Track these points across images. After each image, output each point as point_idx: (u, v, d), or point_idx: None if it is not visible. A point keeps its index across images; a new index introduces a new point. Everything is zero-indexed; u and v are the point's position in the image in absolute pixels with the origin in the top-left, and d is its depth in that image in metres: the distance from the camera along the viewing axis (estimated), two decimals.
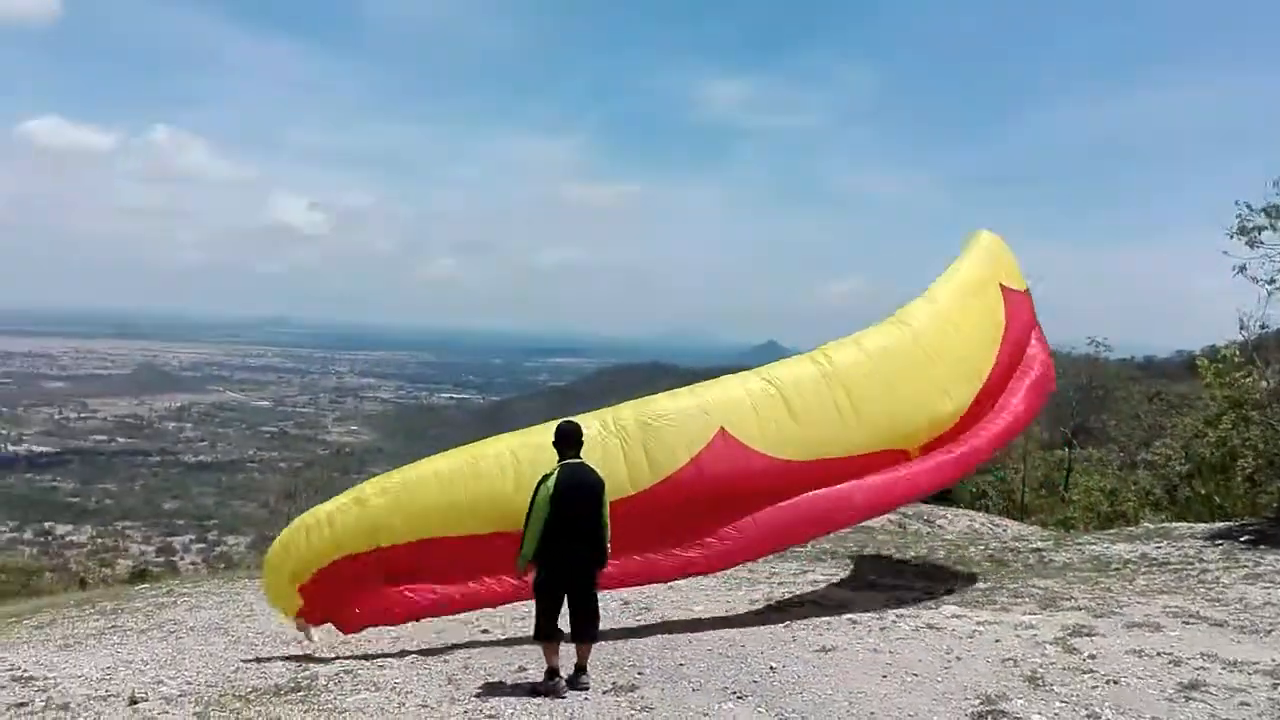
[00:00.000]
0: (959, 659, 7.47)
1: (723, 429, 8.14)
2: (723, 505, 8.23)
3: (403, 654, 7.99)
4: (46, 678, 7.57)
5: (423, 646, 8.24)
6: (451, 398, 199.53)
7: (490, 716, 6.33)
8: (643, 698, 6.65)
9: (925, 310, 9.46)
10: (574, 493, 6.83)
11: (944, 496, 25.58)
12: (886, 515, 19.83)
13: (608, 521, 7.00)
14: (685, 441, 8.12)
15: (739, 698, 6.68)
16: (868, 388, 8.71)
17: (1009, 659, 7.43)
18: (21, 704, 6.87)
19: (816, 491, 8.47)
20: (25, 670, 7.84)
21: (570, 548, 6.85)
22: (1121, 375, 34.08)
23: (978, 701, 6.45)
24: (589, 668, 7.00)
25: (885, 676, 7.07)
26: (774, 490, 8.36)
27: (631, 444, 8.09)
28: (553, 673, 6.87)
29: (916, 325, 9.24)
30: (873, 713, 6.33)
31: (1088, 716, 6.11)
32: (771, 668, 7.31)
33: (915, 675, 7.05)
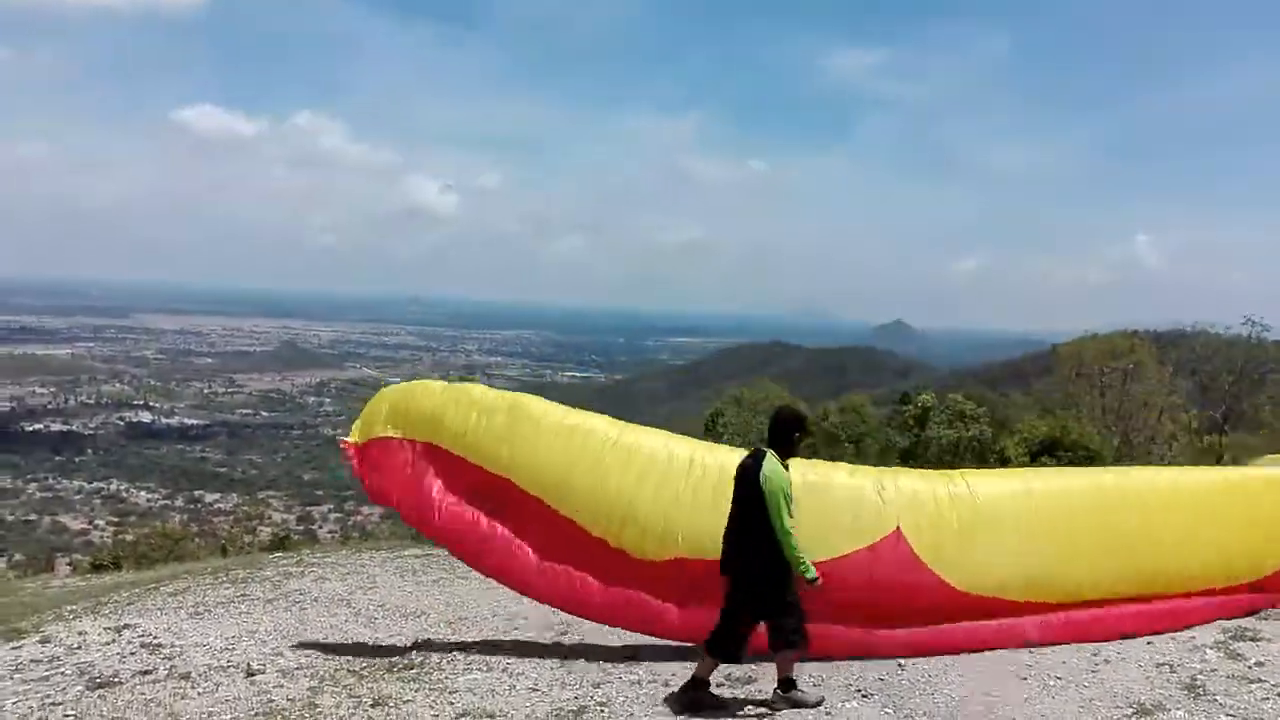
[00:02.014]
0: (1107, 662, 6.88)
1: (899, 529, 6.98)
2: (875, 610, 7.02)
3: (515, 637, 7.88)
4: (173, 645, 7.78)
5: (537, 629, 8.12)
6: (575, 376, 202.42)
7: (601, 704, 6.14)
8: (761, 691, 6.34)
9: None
10: (737, 477, 6.18)
11: None
12: None
13: (771, 516, 5.95)
14: (856, 525, 6.96)
15: (864, 696, 6.30)
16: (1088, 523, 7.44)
17: (1164, 664, 6.81)
18: (146, 671, 7.06)
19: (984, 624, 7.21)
20: (155, 637, 8.08)
21: (725, 545, 6.22)
22: None
23: (1130, 711, 5.90)
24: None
25: (1025, 679, 6.57)
26: (933, 614, 7.13)
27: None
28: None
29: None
30: (1012, 718, 5.86)
31: None
32: (899, 665, 6.88)
33: (1059, 679, 6.52)
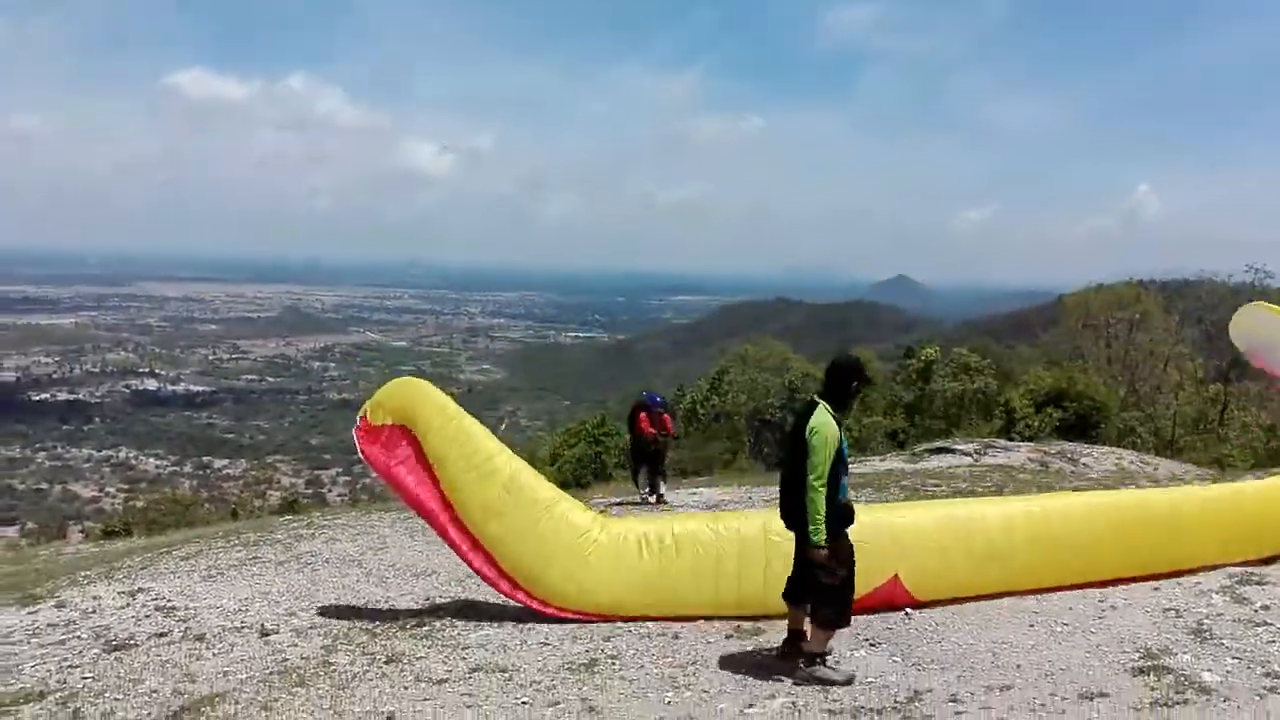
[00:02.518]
0: (1114, 608, 6.94)
1: (897, 576, 7.01)
2: None
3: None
4: (187, 608, 7.85)
5: None
6: (578, 336, 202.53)
7: (612, 657, 6.19)
8: (770, 642, 6.39)
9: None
10: (788, 428, 6.03)
11: (1089, 434, 24.40)
12: (1028, 454, 19.04)
13: (809, 468, 5.60)
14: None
15: (872, 645, 6.35)
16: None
17: (1171, 609, 6.86)
18: (162, 634, 7.13)
19: None
20: (169, 600, 8.16)
21: (780, 498, 6.06)
22: None
23: (1138, 655, 5.94)
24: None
25: (1032, 625, 6.62)
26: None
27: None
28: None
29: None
30: (1019, 665, 5.91)
31: (1266, 675, 5.53)
32: (907, 614, 6.94)
33: (1066, 625, 6.57)
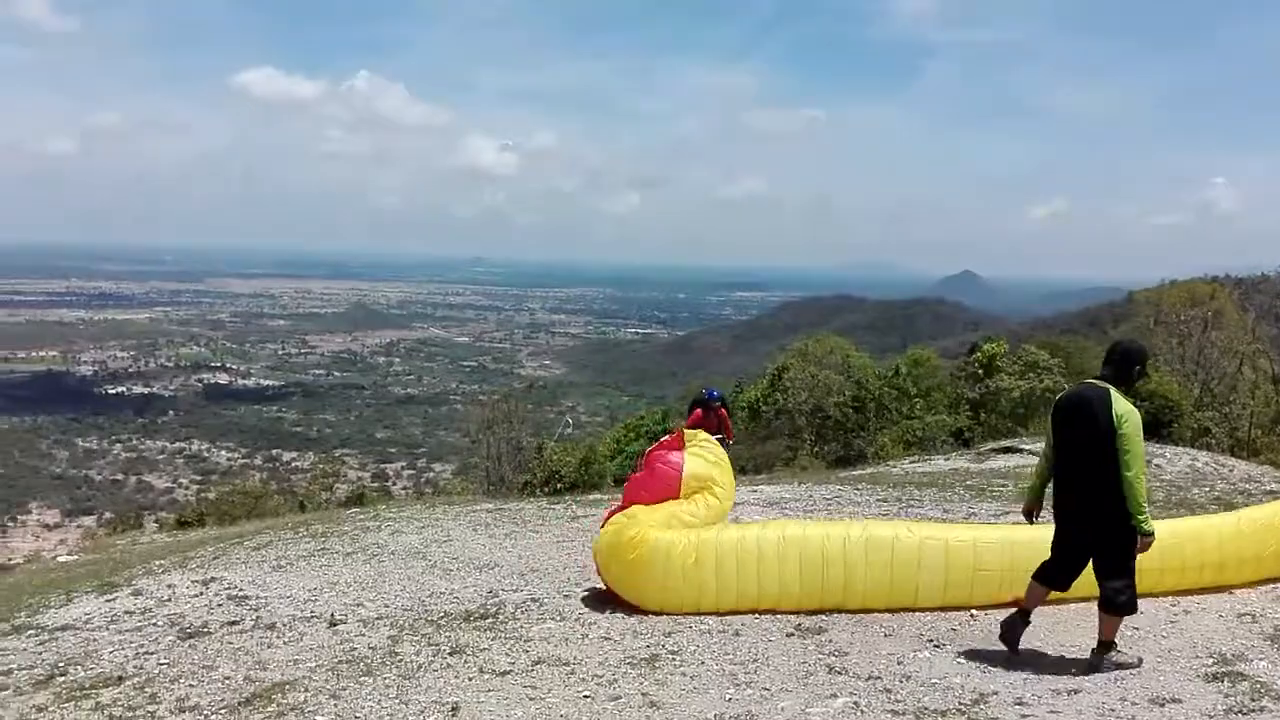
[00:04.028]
0: (1187, 612, 6.77)
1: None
2: None
3: (587, 588, 7.99)
4: (259, 597, 8.06)
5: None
6: (637, 333, 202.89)
7: (673, 652, 6.21)
8: (831, 641, 6.36)
9: None
10: (1063, 415, 5.81)
11: (1161, 435, 23.73)
12: None
13: (1127, 461, 5.46)
14: (950, 581, 7.06)
15: (936, 646, 6.28)
16: None
17: (1246, 614, 6.68)
18: (234, 622, 7.33)
19: None
20: (241, 589, 8.38)
21: (1060, 491, 5.87)
22: None
23: (1211, 661, 5.79)
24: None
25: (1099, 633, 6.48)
26: None
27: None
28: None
29: None
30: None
31: None
32: (972, 615, 6.85)
33: (1136, 629, 6.42)
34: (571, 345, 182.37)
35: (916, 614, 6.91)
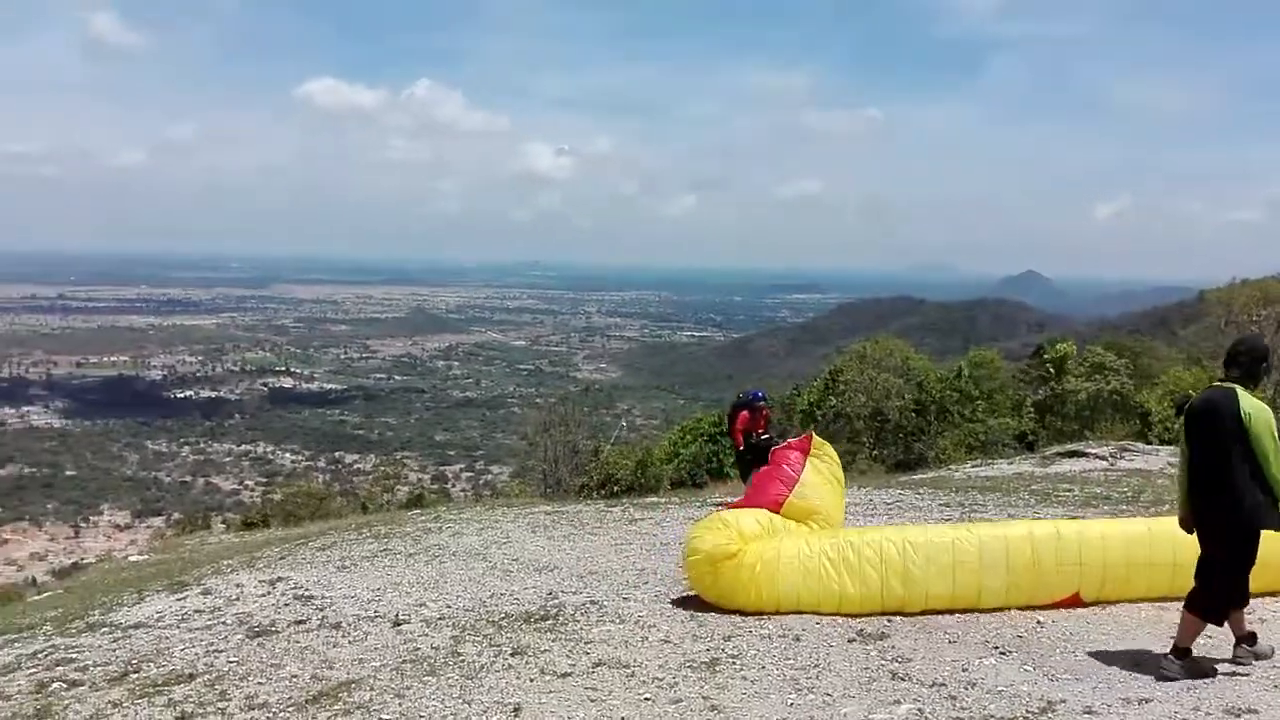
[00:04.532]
0: (1263, 620, 6.55)
1: (1079, 593, 7.12)
2: None
3: (646, 591, 7.99)
4: (324, 597, 8.20)
5: (667, 583, 8.21)
6: (693, 336, 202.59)
7: (733, 656, 6.18)
8: (894, 647, 6.27)
9: None
10: (1195, 420, 5.71)
11: None
12: (1167, 459, 18.12)
13: (1266, 458, 5.38)
14: (1038, 583, 7.10)
15: (1001, 653, 6.16)
16: None
17: None
18: (300, 621, 7.47)
19: None
20: (307, 589, 8.54)
21: (1194, 496, 5.77)
22: None
23: None
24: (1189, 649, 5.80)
25: (1174, 636, 6.29)
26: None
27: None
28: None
29: None
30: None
31: None
32: (1039, 622, 6.71)
33: (1210, 636, 6.22)
34: (627, 348, 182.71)
35: (982, 620, 6.79)
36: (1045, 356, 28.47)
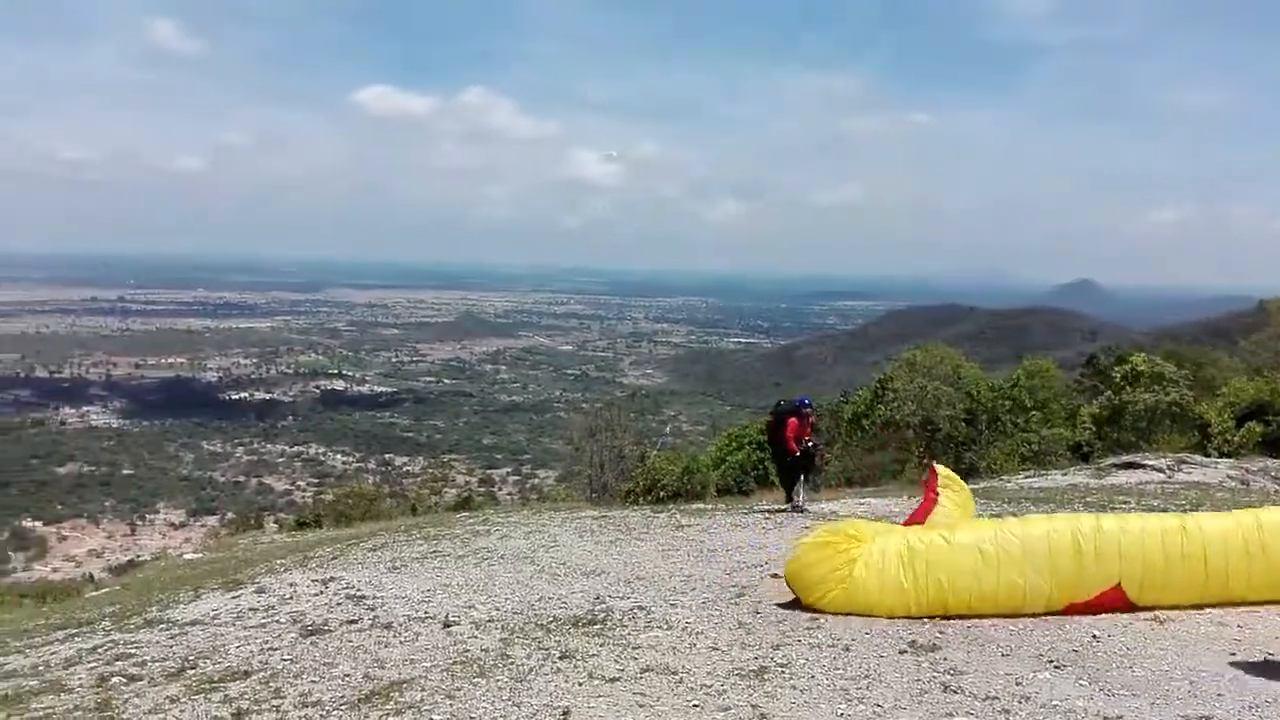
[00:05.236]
0: None
1: (1120, 584, 7.15)
2: None
3: (693, 598, 7.98)
4: (375, 597, 8.31)
5: (714, 590, 8.20)
6: (739, 342, 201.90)
7: (782, 665, 6.14)
8: (946, 659, 6.19)
9: None
10: None
11: None
12: (1227, 471, 17.68)
13: None
14: (1078, 577, 7.17)
15: (1056, 667, 6.05)
16: None
17: None
18: (352, 621, 7.57)
19: None
20: (359, 590, 8.66)
21: None
22: None
23: None
24: None
25: (1234, 654, 6.15)
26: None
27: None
28: None
29: None
30: (1220, 694, 5.51)
31: None
32: (1094, 636, 6.58)
33: (1273, 653, 6.07)
34: (674, 354, 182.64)
35: (1035, 633, 6.68)
36: (1114, 369, 27.87)
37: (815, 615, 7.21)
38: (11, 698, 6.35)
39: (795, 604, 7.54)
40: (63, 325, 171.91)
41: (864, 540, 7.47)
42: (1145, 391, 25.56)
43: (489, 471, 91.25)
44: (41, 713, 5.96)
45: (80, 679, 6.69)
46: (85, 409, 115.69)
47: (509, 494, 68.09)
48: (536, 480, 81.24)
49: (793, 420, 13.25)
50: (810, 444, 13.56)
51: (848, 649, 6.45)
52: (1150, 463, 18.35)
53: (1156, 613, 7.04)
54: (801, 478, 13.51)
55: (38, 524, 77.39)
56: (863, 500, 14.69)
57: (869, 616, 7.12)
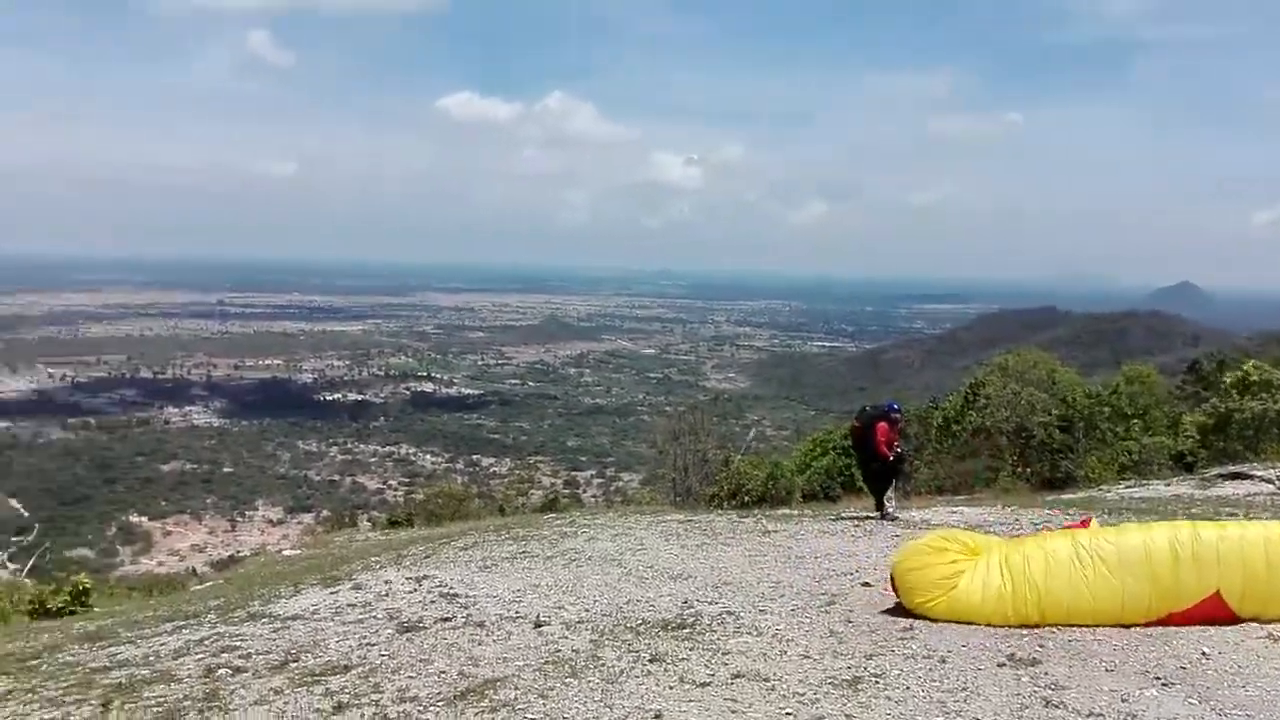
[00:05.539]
0: None
1: (1218, 591, 6.92)
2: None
3: (782, 604, 7.92)
4: (467, 595, 8.47)
5: (804, 598, 8.12)
6: (824, 346, 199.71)
7: (876, 675, 6.05)
8: (1047, 674, 6.01)
9: None
10: None
11: None
12: None
13: None
14: (1175, 587, 7.00)
15: (1164, 685, 5.82)
16: None
17: None
18: (446, 618, 7.73)
19: None
20: (452, 588, 8.83)
21: None
22: None
23: None
24: None
25: None
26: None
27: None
28: None
29: None
30: None
31: None
32: (1204, 654, 6.31)
33: None
34: (756, 358, 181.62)
35: (1140, 649, 6.44)
36: (1222, 375, 26.75)
37: (909, 625, 7.09)
38: (125, 686, 6.64)
39: (888, 613, 7.43)
40: (165, 328, 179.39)
41: (977, 553, 7.35)
42: (1253, 399, 24.45)
43: (573, 473, 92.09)
44: (153, 701, 6.22)
45: (188, 670, 6.96)
46: (188, 409, 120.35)
47: (593, 496, 68.54)
48: (620, 483, 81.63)
49: (882, 425, 13.07)
50: (900, 449, 13.37)
51: (944, 660, 6.32)
52: (1259, 473, 17.54)
53: (1270, 630, 6.74)
54: (892, 484, 13.31)
55: (144, 519, 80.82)
56: (955, 509, 14.38)
57: (965, 627, 6.98)
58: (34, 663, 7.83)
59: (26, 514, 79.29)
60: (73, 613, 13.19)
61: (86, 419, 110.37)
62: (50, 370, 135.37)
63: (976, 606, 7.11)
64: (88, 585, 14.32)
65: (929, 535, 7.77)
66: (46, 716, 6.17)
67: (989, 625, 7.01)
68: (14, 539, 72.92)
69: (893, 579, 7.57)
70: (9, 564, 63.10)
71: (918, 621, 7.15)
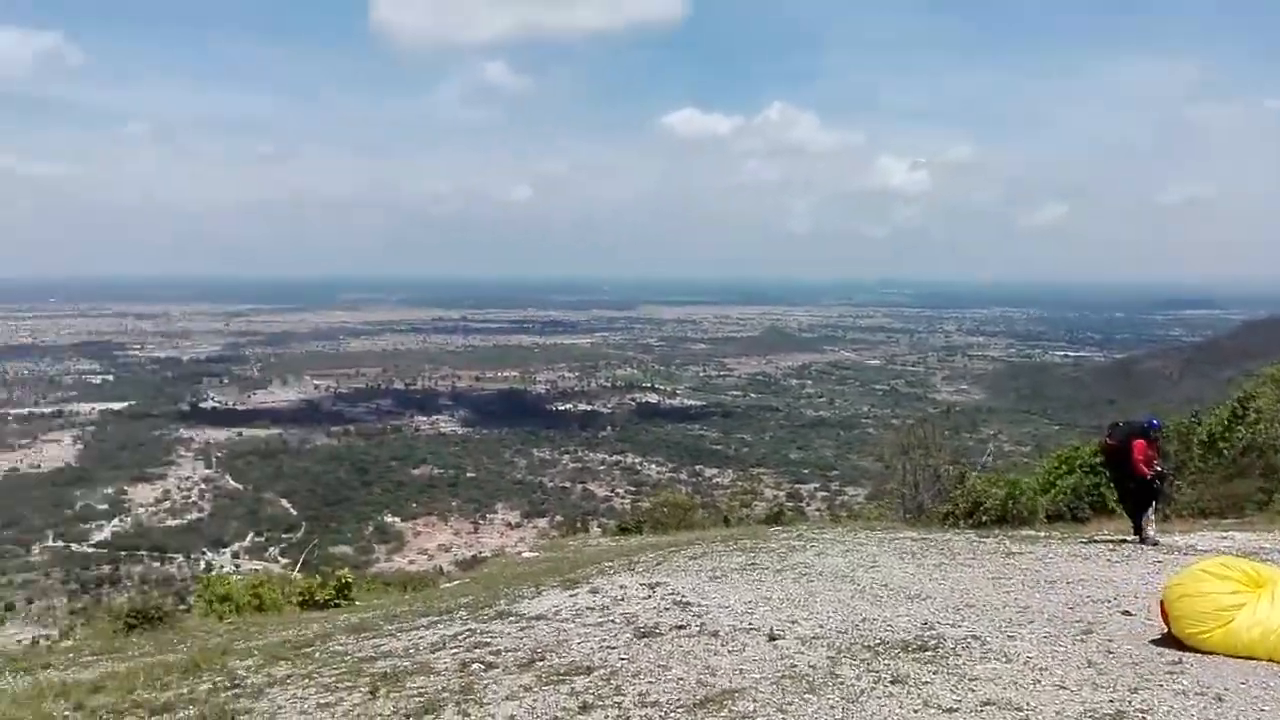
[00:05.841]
0: None
1: None
2: None
3: (1031, 630, 7.49)
4: (700, 604, 8.55)
5: (1055, 625, 7.65)
6: (1067, 356, 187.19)
7: (1141, 711, 5.60)
8: (1231, 708, 5.39)
9: None
10: None
11: None
12: None
13: None
14: None
15: None
16: None
17: None
18: (680, 626, 7.84)
19: None
20: (684, 596, 8.96)
21: None
22: None
23: None
24: None
25: None
26: None
27: None
28: None
29: None
30: None
31: None
32: None
33: None
34: (991, 369, 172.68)
35: None
36: None
37: (1178, 659, 6.53)
38: (389, 676, 7.18)
39: (1154, 644, 6.87)
40: (415, 342, 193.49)
41: (1261, 585, 6.67)
42: None
43: (796, 486, 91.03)
44: (415, 691, 6.70)
45: (445, 663, 7.44)
46: (435, 417, 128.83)
47: (817, 509, 67.45)
48: (845, 497, 79.92)
49: (1140, 442, 12.12)
50: (1160, 468, 12.35)
51: (1220, 699, 5.77)
52: None
53: None
54: (1152, 505, 12.30)
55: (396, 519, 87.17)
56: (1225, 534, 13.10)
57: (1244, 664, 6.35)
58: (308, 650, 8.62)
59: (295, 513, 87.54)
60: (337, 605, 14.41)
61: (347, 426, 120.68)
62: (316, 382, 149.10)
63: (1257, 642, 6.45)
64: (350, 580, 15.62)
65: (1208, 560, 7.12)
66: (322, 700, 6.77)
67: (1271, 661, 6.35)
68: (284, 535, 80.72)
69: (1162, 605, 6.98)
70: (280, 559, 69.99)
71: (1187, 655, 6.58)
